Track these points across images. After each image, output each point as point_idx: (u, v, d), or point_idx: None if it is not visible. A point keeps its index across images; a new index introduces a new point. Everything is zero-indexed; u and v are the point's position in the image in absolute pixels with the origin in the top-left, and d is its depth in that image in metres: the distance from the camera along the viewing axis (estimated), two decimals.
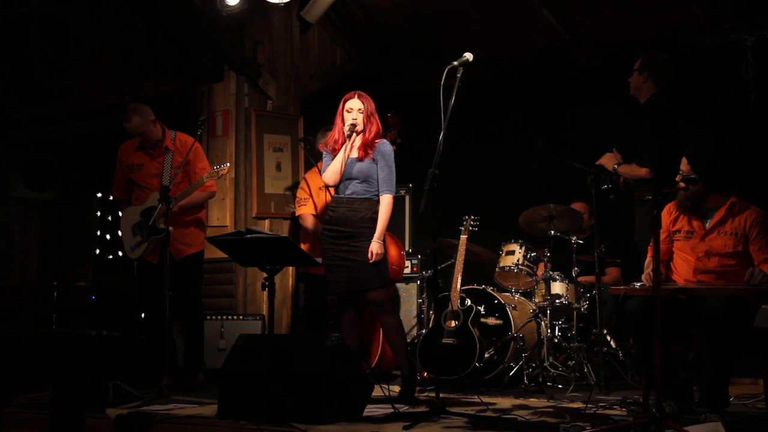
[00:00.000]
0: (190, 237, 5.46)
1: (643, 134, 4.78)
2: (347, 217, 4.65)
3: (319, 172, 5.71)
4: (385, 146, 4.73)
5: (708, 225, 4.23)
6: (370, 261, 4.58)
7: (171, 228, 5.07)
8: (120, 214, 5.68)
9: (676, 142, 4.58)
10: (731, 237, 4.16)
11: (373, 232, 4.62)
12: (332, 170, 4.72)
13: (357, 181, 4.67)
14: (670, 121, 4.76)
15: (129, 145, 5.54)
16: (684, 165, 4.19)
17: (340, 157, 4.69)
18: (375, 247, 4.59)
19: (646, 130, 4.77)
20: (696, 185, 4.13)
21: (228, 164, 5.29)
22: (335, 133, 4.76)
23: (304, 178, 6.07)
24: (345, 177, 4.69)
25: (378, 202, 4.69)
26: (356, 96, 4.71)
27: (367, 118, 4.68)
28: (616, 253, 5.95)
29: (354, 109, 4.68)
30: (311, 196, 5.85)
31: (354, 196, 4.67)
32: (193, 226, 5.49)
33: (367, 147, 4.67)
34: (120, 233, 5.61)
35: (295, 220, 6.18)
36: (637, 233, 4.82)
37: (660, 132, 4.68)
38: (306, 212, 5.85)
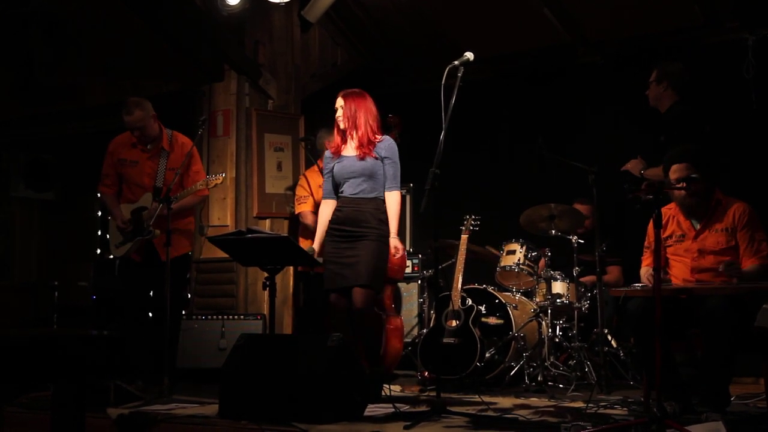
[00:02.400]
0: (174, 240, 5.22)
1: (671, 136, 4.76)
2: (354, 217, 4.64)
3: (320, 170, 5.71)
4: (389, 143, 4.71)
5: (698, 225, 4.24)
6: (395, 257, 4.62)
7: (158, 231, 5.04)
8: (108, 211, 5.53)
9: (703, 144, 4.56)
10: (723, 233, 4.18)
11: (379, 234, 4.61)
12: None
13: (362, 179, 4.66)
14: (695, 124, 4.77)
15: (123, 139, 5.41)
16: (681, 172, 4.15)
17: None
18: (395, 242, 4.62)
19: (674, 132, 4.75)
20: (698, 184, 4.12)
21: (223, 174, 5.23)
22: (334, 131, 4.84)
23: (304, 176, 6.03)
24: (350, 176, 4.69)
25: (384, 201, 4.69)
26: (341, 95, 4.74)
27: (349, 118, 4.66)
28: (617, 252, 5.95)
29: (338, 107, 4.72)
30: (311, 193, 5.84)
31: (360, 195, 4.66)
32: (179, 229, 5.32)
33: (363, 146, 4.66)
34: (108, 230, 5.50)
35: (294, 219, 6.16)
36: None
37: (689, 134, 4.66)
38: (306, 210, 5.83)
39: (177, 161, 5.30)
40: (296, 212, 5.97)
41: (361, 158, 4.65)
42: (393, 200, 4.67)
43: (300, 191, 5.95)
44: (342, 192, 4.73)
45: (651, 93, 5.04)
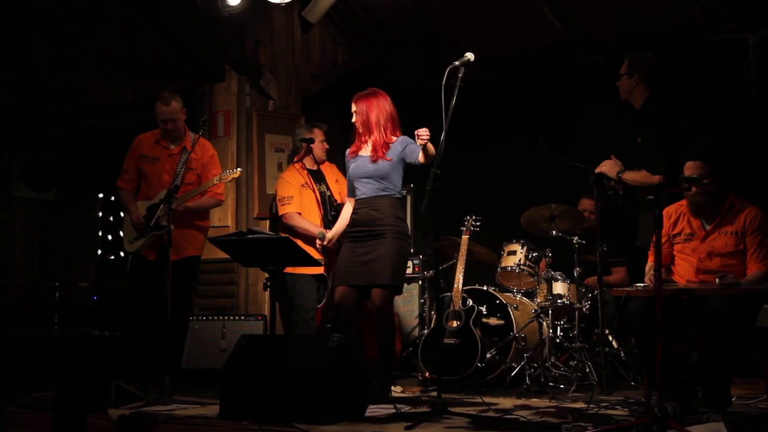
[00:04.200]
0: (189, 238, 5.37)
1: (649, 138, 4.72)
2: (370, 217, 4.65)
3: (307, 169, 5.72)
4: (401, 138, 4.69)
5: (708, 226, 4.23)
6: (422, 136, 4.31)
7: (172, 226, 5.05)
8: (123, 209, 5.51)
9: (683, 142, 4.54)
10: (732, 236, 4.17)
11: (396, 231, 4.62)
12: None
13: (373, 180, 4.68)
14: (675, 120, 4.73)
15: (148, 135, 5.47)
16: (694, 170, 4.13)
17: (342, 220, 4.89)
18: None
19: (652, 133, 4.71)
20: (699, 185, 4.11)
21: (239, 169, 5.27)
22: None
23: (284, 176, 5.91)
24: (362, 176, 4.71)
25: (399, 199, 4.74)
26: (353, 99, 4.76)
27: (363, 123, 4.69)
28: (621, 253, 5.95)
29: (353, 112, 4.76)
30: (296, 193, 5.76)
31: (375, 194, 4.67)
32: (196, 228, 5.42)
33: (378, 150, 4.67)
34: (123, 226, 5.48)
35: (275, 220, 6.05)
36: (641, 238, 4.77)
37: (667, 134, 4.63)
38: (292, 211, 5.71)
39: (197, 163, 5.34)
40: (280, 213, 5.79)
41: (374, 160, 4.66)
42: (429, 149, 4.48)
43: (283, 191, 5.78)
44: (356, 194, 4.74)
45: (622, 86, 4.97)
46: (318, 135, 5.85)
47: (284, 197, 5.75)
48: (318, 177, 5.75)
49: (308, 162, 5.83)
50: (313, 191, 5.73)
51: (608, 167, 4.87)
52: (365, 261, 4.60)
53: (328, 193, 5.77)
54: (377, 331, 4.67)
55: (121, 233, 5.50)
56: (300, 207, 5.71)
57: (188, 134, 5.43)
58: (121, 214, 5.56)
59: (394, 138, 4.70)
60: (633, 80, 4.89)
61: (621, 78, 4.95)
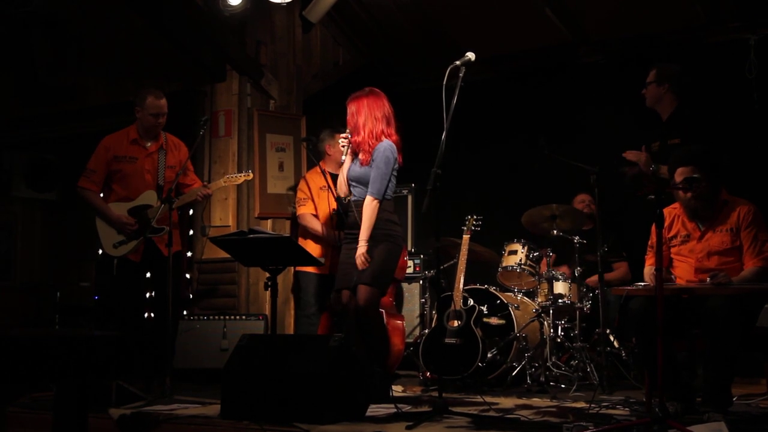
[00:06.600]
0: (175, 235, 5.29)
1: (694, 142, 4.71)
2: (359, 220, 4.65)
3: (321, 172, 5.71)
4: (382, 147, 4.62)
5: (703, 226, 4.24)
6: (359, 268, 4.55)
7: (167, 227, 5.03)
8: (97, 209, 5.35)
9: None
10: (728, 233, 4.19)
11: (386, 233, 4.61)
12: (339, 183, 4.82)
13: (362, 185, 4.67)
14: (709, 124, 4.76)
15: (119, 136, 5.38)
16: (686, 174, 4.13)
17: (343, 168, 4.74)
18: (362, 249, 4.54)
19: (693, 139, 4.69)
20: (701, 185, 4.12)
21: (250, 171, 5.34)
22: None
23: (304, 178, 6.02)
24: (353, 179, 4.71)
25: (390, 201, 4.68)
26: (347, 100, 4.71)
27: (352, 124, 4.65)
28: (621, 248, 5.95)
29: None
30: (311, 196, 5.83)
31: (362, 198, 4.66)
32: (176, 226, 5.34)
33: (365, 153, 4.64)
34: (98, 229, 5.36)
35: (295, 220, 6.16)
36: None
37: (705, 136, 4.63)
38: (306, 212, 5.81)
39: (174, 159, 5.35)
40: (297, 213, 5.93)
41: (362, 165, 4.65)
42: (366, 206, 4.59)
43: (300, 193, 5.92)
44: (352, 194, 4.75)
45: (650, 93, 4.99)
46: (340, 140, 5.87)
47: (300, 198, 5.89)
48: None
49: (330, 165, 5.85)
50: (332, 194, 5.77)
51: (644, 160, 4.83)
52: (355, 263, 4.61)
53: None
54: (363, 329, 4.62)
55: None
56: (315, 209, 5.77)
57: (161, 131, 5.39)
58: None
59: (386, 139, 4.65)
60: (662, 89, 4.94)
61: (648, 86, 4.98)
